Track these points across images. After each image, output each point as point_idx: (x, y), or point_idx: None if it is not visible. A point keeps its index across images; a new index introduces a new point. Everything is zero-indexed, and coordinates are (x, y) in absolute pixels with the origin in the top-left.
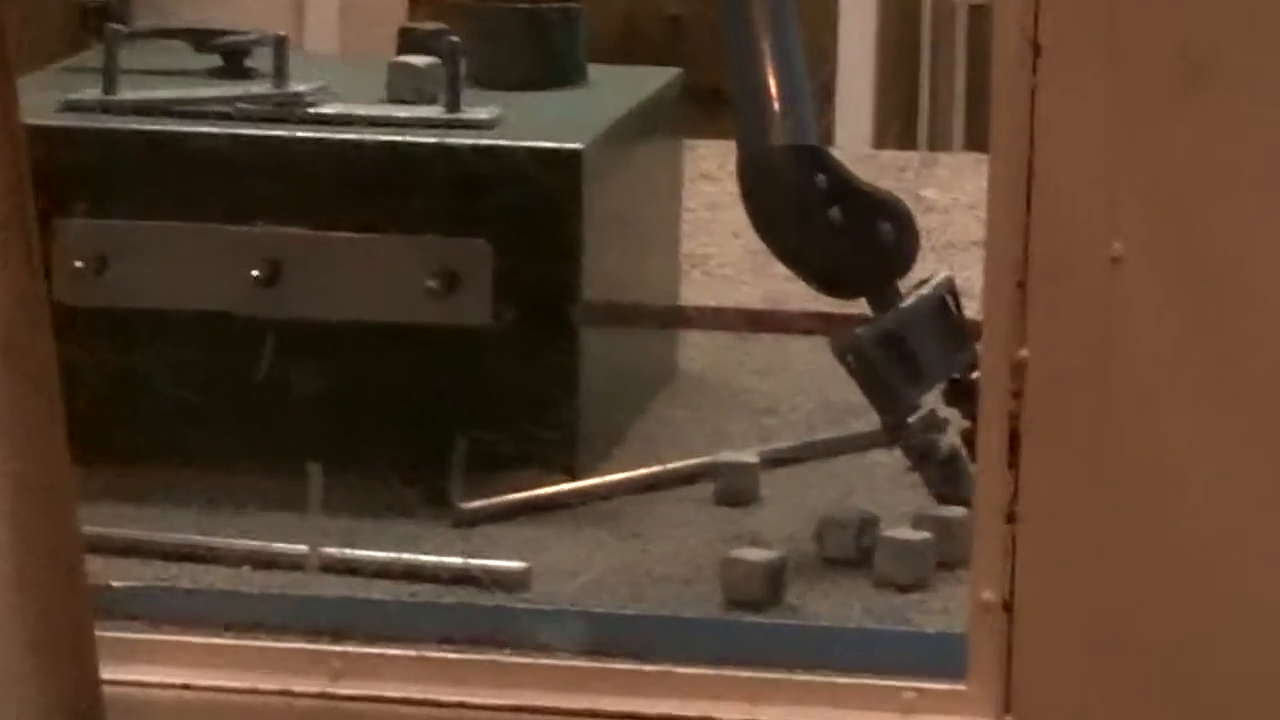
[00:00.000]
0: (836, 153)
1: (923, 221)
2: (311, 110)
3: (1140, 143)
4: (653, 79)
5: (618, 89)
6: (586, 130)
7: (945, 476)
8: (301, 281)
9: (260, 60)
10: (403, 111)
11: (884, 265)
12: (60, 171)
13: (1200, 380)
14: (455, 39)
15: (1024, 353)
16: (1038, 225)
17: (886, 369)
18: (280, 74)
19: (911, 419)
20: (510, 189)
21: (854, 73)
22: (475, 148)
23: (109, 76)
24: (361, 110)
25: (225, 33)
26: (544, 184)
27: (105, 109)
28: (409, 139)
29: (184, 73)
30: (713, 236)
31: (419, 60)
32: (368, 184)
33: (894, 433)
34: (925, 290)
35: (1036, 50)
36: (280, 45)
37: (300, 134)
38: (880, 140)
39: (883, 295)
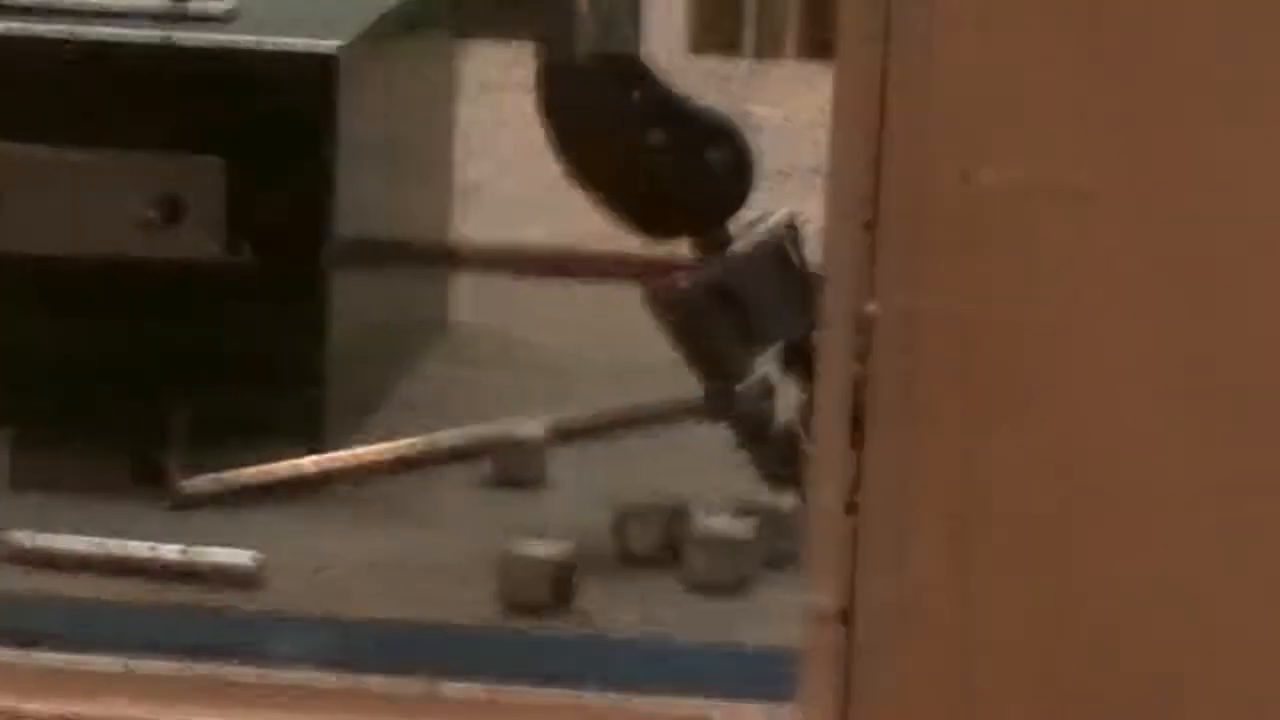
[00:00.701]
0: (648, 55)
1: (750, 143)
2: None
3: (1015, 52)
4: None
5: None
6: (342, 26)
7: (778, 455)
8: None
9: None
10: (119, 1)
11: (713, 201)
12: None
13: (1093, 336)
14: None
15: (872, 307)
16: (890, 151)
17: (713, 327)
18: None
19: (740, 386)
20: (249, 97)
21: None
22: (205, 46)
23: None
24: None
25: None
26: (289, 91)
27: None
28: (124, 34)
29: None
30: (493, 160)
31: None
32: (73, 89)
33: (718, 402)
34: (761, 232)
35: None
36: None
37: None
38: (698, 44)
39: (710, 237)
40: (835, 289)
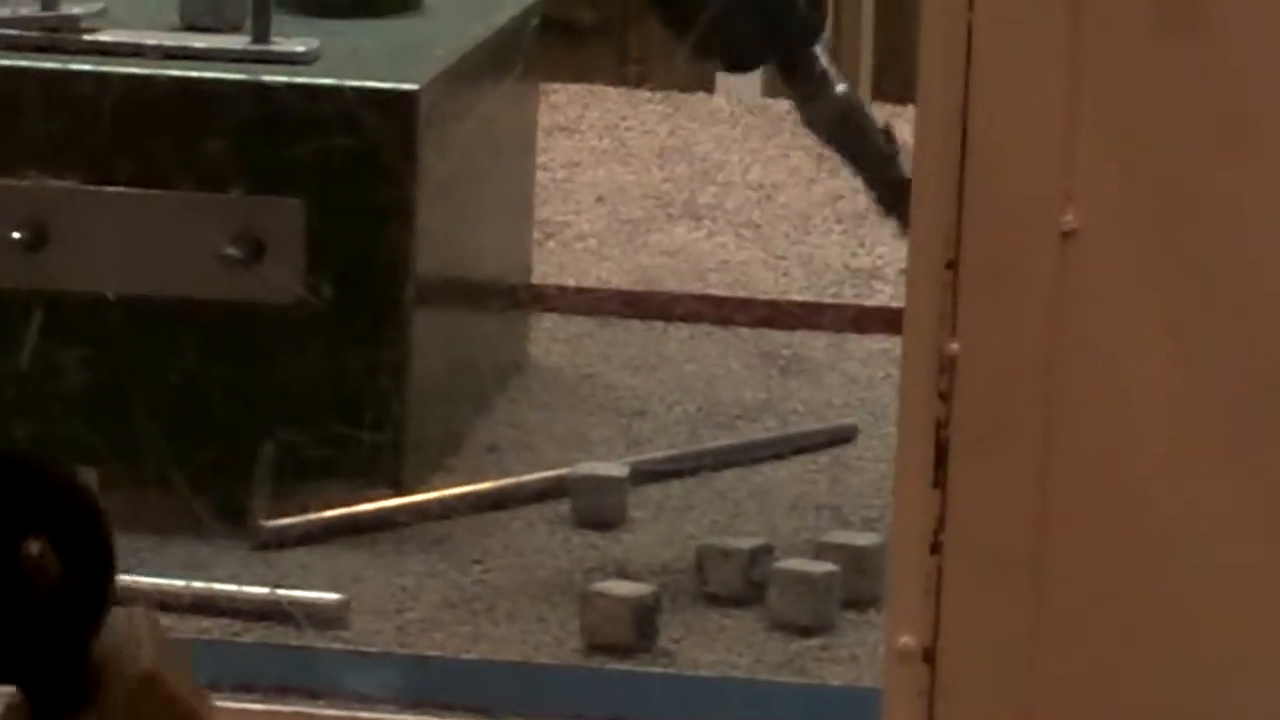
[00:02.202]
0: (720, 96)
1: (824, 186)
2: (89, 38)
3: (1102, 94)
4: (503, 7)
5: (460, 18)
6: (422, 67)
7: None
8: (72, 246)
9: None
10: (200, 41)
11: (795, 29)
12: None
13: (1172, 381)
14: None
15: (954, 347)
16: (973, 192)
17: (863, 123)
18: None
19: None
20: (329, 137)
21: None
22: (288, 86)
23: None
24: (150, 39)
25: None
26: (370, 132)
27: None
28: (207, 74)
29: None
30: (572, 201)
31: None
32: (156, 129)
33: (891, 188)
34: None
35: None
36: None
37: (75, 66)
38: (771, 86)
39: (804, 64)
40: (916, 327)
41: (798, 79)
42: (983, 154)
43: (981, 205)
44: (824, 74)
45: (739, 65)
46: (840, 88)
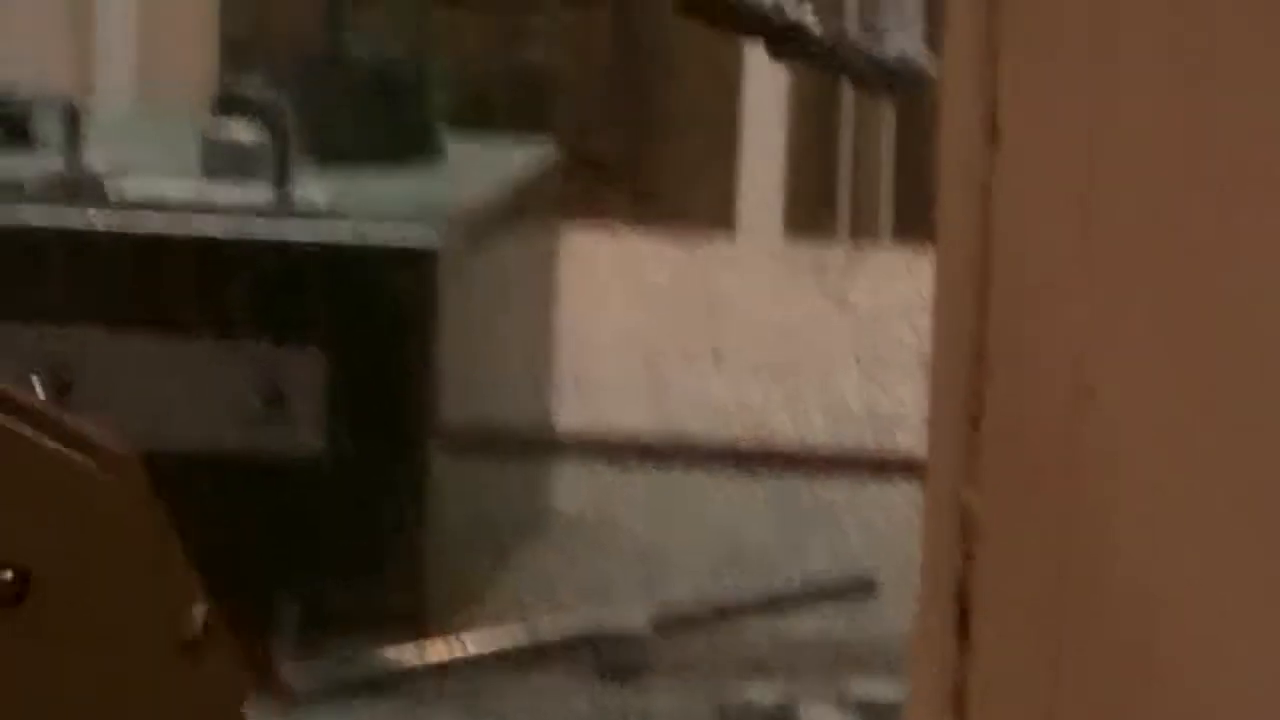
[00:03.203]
0: (740, 243)
1: (847, 331)
2: (111, 190)
3: (1122, 251)
4: (521, 153)
5: (481, 166)
6: (442, 218)
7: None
8: (94, 395)
9: (46, 123)
10: (221, 193)
11: None
12: None
13: (1197, 538)
14: (285, 106)
15: (976, 500)
16: (996, 346)
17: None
18: (72, 146)
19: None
20: (349, 289)
21: (761, 146)
22: (309, 239)
23: None
24: (172, 191)
25: (4, 90)
26: (390, 283)
27: None
28: (228, 228)
29: None
30: (593, 346)
31: (240, 130)
32: (178, 280)
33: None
34: None
35: (995, 136)
36: (71, 113)
37: (98, 220)
38: (793, 230)
39: None
40: (938, 481)
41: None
42: (1004, 306)
43: (1004, 358)
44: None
45: None
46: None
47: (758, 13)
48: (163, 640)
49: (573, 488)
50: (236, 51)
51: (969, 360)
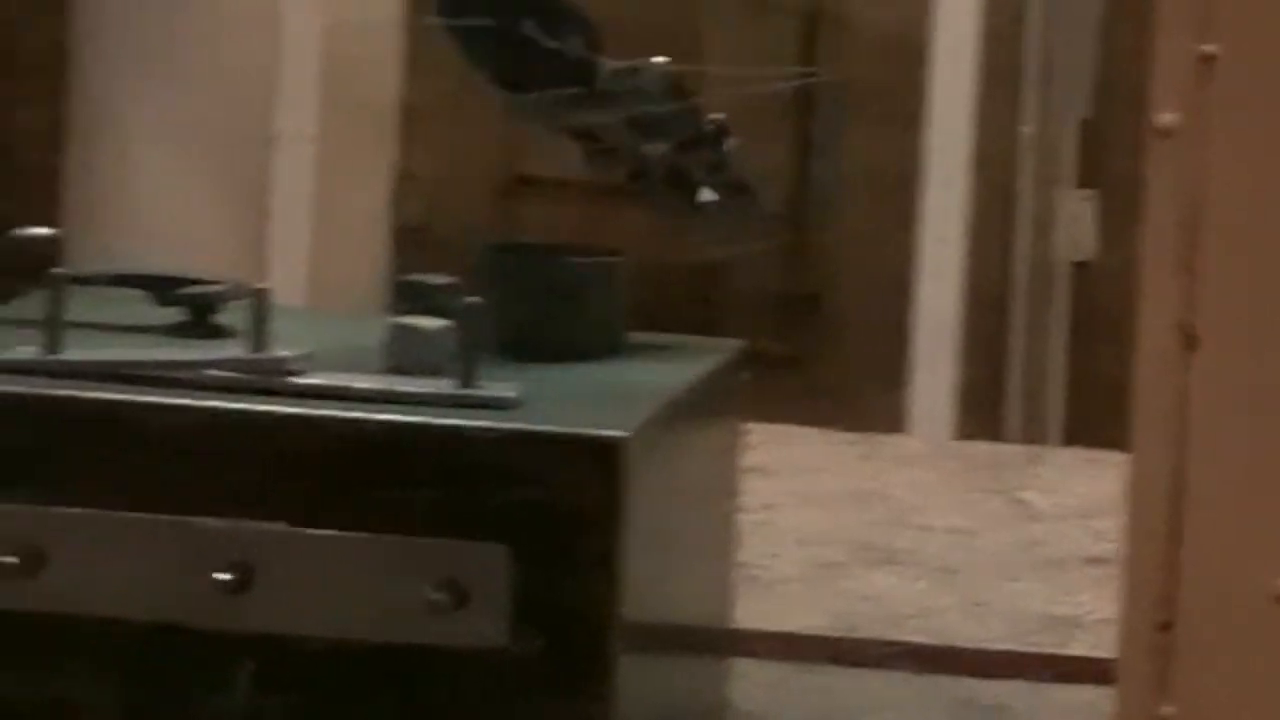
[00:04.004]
0: (913, 441)
1: (1023, 532)
2: (296, 381)
3: None
4: (707, 352)
5: (664, 362)
6: (628, 415)
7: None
8: (276, 589)
9: (231, 315)
10: (405, 385)
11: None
12: None
13: None
14: (473, 299)
15: (1169, 710)
16: (1191, 553)
17: None
18: (259, 334)
19: None
20: (534, 484)
21: (933, 347)
22: (493, 433)
23: (51, 331)
24: (356, 383)
25: (191, 281)
26: (575, 480)
27: (46, 371)
28: (413, 419)
29: (140, 328)
30: (771, 543)
31: (425, 323)
32: (361, 473)
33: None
34: None
35: (1192, 343)
36: (260, 300)
37: (282, 409)
38: (963, 431)
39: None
40: (1128, 690)
41: None
42: (1199, 512)
43: (1197, 567)
44: None
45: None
46: None
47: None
48: None
49: (751, 686)
50: (405, 241)
51: (1161, 566)
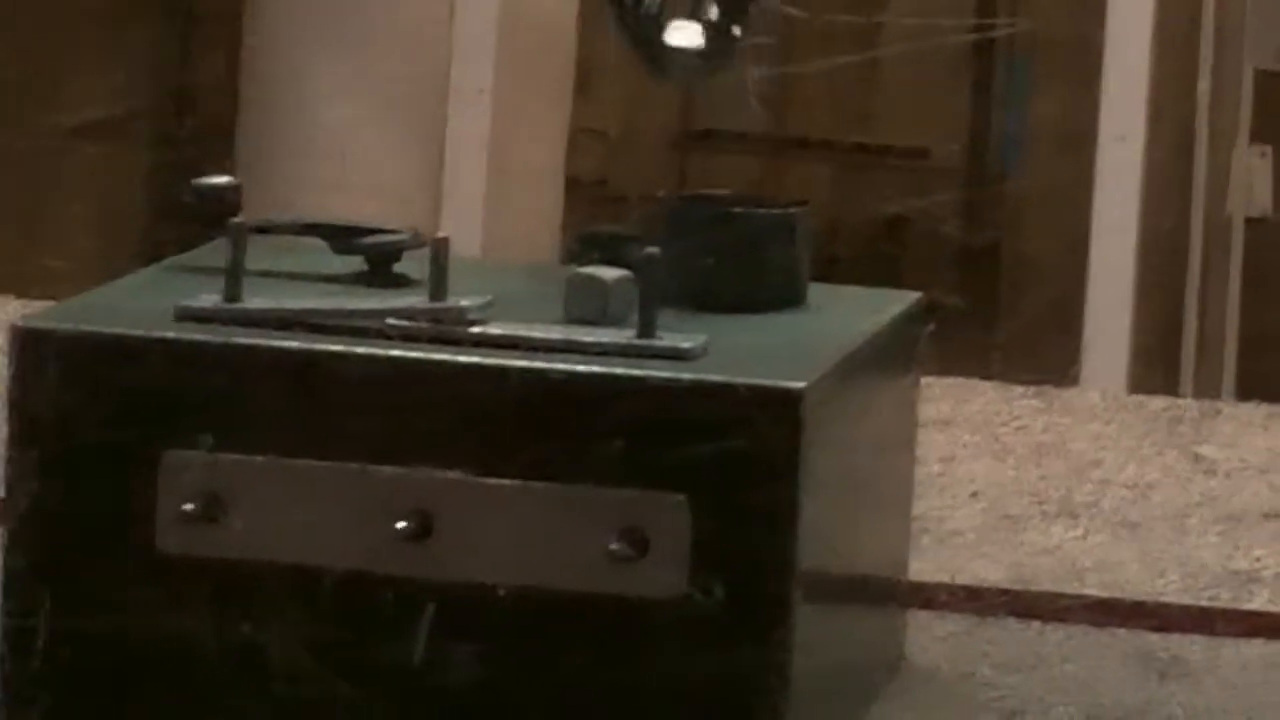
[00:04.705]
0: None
1: (1200, 486)
2: (476, 330)
3: None
4: (887, 303)
5: (845, 313)
6: (808, 365)
7: None
8: (457, 537)
9: (409, 265)
10: (586, 335)
11: None
12: (170, 393)
13: None
14: (653, 250)
15: None
16: None
17: None
18: (439, 284)
19: None
20: (713, 434)
21: (1109, 301)
22: (673, 383)
23: (232, 280)
24: (537, 332)
25: (371, 230)
26: (755, 430)
27: (226, 319)
28: (594, 369)
29: (321, 277)
30: (947, 496)
31: (605, 273)
32: (543, 422)
33: None
34: None
35: None
36: (440, 249)
37: (463, 359)
38: (1137, 385)
39: None
40: None
41: None
42: None
43: None
44: None
45: None
46: None
47: None
48: None
49: (927, 639)
50: (579, 193)
51: None
